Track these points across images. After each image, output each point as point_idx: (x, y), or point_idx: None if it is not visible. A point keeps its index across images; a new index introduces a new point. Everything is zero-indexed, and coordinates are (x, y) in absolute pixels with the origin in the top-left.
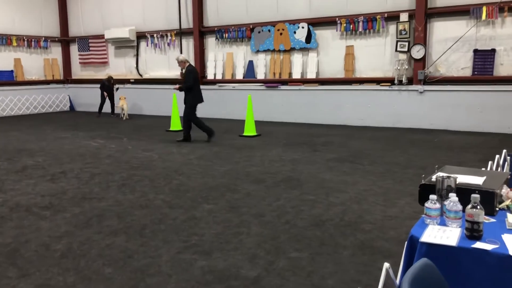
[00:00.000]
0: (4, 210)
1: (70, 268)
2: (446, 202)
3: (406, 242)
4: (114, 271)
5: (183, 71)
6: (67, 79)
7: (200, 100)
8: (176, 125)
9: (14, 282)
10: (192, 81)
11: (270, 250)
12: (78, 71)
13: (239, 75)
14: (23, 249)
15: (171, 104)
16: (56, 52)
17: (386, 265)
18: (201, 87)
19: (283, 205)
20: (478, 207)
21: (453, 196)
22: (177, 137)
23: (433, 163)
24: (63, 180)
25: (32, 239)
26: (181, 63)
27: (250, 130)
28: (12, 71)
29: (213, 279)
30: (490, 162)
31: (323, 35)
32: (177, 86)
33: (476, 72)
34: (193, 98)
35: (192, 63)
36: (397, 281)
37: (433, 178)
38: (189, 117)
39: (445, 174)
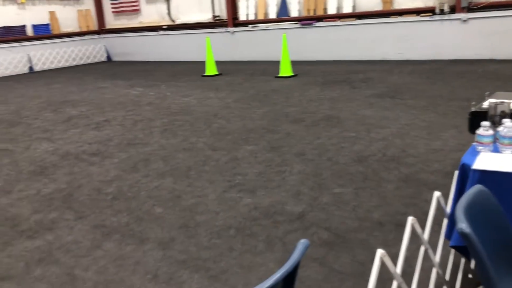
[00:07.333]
0: (55, 158)
1: (123, 210)
2: (500, 129)
3: (457, 171)
4: (164, 210)
5: None
6: (102, 29)
7: None
8: (211, 69)
9: (72, 223)
10: None
11: (313, 186)
12: (111, 21)
13: (272, 14)
14: (77, 193)
15: (205, 49)
16: (88, 2)
17: (437, 193)
18: (234, 29)
19: (323, 143)
20: None
21: (507, 122)
22: (214, 81)
23: (478, 94)
24: (107, 127)
25: (84, 184)
26: None
27: (286, 70)
28: (48, 24)
29: (259, 215)
30: None
31: None
32: None
33: None
34: None
35: (223, 5)
36: (447, 210)
37: (484, 104)
38: None
39: (497, 100)
